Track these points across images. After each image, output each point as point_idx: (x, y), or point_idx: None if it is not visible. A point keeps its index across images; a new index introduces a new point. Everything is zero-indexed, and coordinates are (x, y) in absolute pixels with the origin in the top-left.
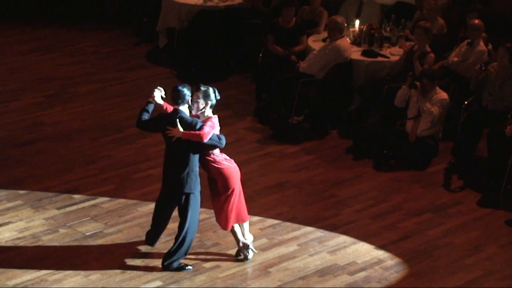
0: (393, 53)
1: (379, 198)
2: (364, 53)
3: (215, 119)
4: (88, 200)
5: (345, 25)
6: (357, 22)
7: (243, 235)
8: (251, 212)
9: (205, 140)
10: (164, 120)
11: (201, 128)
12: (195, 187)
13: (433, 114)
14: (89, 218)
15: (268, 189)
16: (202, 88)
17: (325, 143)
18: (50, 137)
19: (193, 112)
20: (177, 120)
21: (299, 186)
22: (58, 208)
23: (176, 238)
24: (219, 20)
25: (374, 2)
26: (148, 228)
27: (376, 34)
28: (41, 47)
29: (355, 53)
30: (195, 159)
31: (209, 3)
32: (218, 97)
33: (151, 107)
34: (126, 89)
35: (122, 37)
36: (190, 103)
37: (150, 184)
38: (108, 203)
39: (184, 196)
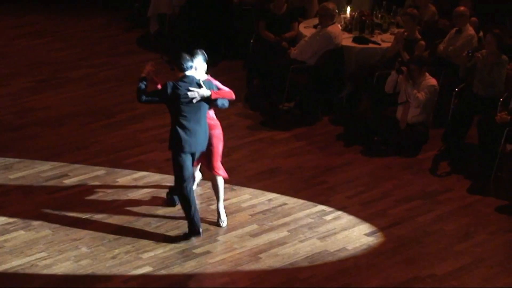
0: (384, 40)
1: (369, 185)
2: (355, 40)
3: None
4: (78, 185)
5: (336, 11)
6: (348, 9)
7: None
8: (242, 198)
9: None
10: (177, 87)
11: (218, 88)
12: None
13: (419, 100)
14: (79, 203)
15: (258, 175)
16: (200, 53)
17: (316, 130)
18: (41, 122)
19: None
20: (201, 82)
21: (290, 172)
22: (49, 193)
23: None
24: (210, 5)
25: None
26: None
27: (367, 21)
28: (32, 32)
29: (346, 40)
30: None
31: None
32: None
33: (146, 82)
34: (117, 75)
35: (113, 22)
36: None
37: (140, 170)
38: (99, 189)
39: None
